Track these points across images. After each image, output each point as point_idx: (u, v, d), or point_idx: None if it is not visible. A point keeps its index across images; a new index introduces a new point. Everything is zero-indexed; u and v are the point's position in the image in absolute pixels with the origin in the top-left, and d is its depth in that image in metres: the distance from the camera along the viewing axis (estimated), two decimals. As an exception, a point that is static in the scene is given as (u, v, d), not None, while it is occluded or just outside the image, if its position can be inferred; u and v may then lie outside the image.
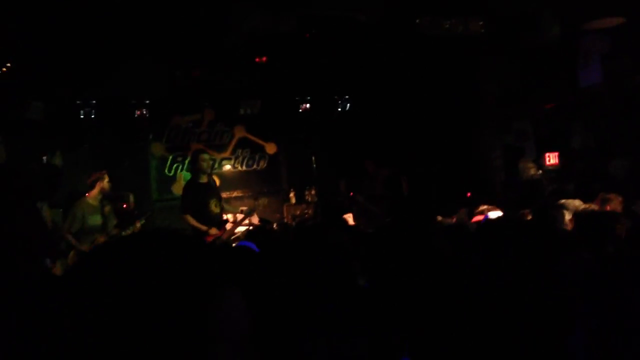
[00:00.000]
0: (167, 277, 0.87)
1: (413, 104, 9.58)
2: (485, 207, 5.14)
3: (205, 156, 6.94)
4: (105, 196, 6.62)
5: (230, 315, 0.94)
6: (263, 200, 8.38)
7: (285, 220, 9.31)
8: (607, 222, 3.20)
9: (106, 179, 6.60)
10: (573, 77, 8.04)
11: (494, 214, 4.84)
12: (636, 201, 4.76)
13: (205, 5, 6.52)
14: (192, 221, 6.59)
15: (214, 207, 6.75)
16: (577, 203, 4.63)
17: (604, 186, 7.85)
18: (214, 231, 6.59)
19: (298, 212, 9.60)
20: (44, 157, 6.92)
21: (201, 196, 6.70)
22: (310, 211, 9.47)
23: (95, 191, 6.57)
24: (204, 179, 6.83)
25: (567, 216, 4.24)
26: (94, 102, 8.61)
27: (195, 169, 6.86)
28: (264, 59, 8.92)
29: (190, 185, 6.91)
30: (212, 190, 6.89)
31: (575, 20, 7.25)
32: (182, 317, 0.86)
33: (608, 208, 5.02)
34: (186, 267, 0.89)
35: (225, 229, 6.85)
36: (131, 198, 8.54)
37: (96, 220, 6.51)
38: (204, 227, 6.56)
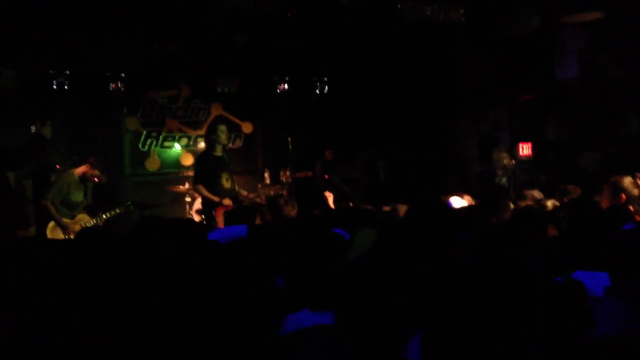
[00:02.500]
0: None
1: (391, 90, 9.59)
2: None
3: (224, 127, 6.79)
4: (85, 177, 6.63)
5: None
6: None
7: (258, 200, 9.28)
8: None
9: (96, 172, 6.61)
10: (550, 70, 8.12)
11: (456, 201, 4.83)
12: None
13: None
14: (205, 192, 6.40)
15: (225, 182, 6.55)
16: (535, 194, 4.73)
17: (575, 178, 8.00)
18: (227, 202, 6.37)
19: (272, 193, 9.58)
20: (33, 127, 6.88)
21: (214, 169, 6.52)
22: (284, 192, 9.45)
23: (80, 170, 6.58)
24: (218, 152, 6.64)
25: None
26: (67, 72, 8.44)
27: (211, 139, 6.65)
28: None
29: (203, 156, 6.76)
30: (225, 164, 6.68)
31: (554, 14, 7.31)
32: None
33: (565, 200, 5.13)
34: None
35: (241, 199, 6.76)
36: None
37: (78, 196, 6.52)
38: (216, 198, 6.36)
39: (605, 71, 8.03)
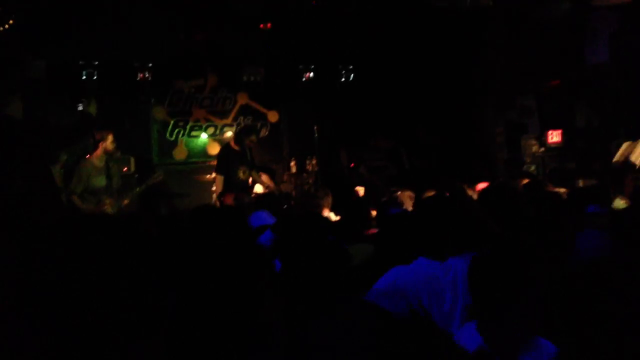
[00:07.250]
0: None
1: (417, 76, 9.50)
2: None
3: (255, 138, 7.64)
4: (110, 156, 6.61)
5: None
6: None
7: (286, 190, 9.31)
8: None
9: (109, 139, 6.57)
10: (580, 54, 7.94)
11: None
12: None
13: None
14: (219, 184, 7.36)
15: (242, 174, 7.43)
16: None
17: (605, 165, 7.82)
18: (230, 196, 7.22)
19: (299, 182, 9.60)
20: (80, 105, 6.88)
21: (232, 162, 7.40)
22: (310, 181, 9.46)
23: (98, 152, 6.55)
24: (238, 148, 7.47)
25: None
26: (96, 63, 8.56)
27: (242, 139, 7.44)
28: (269, 25, 8.84)
29: (225, 150, 7.64)
30: (244, 159, 7.46)
31: (585, -4, 7.15)
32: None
33: None
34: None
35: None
36: (132, 161, 8.55)
37: (100, 181, 6.49)
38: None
39: (637, 55, 7.83)
